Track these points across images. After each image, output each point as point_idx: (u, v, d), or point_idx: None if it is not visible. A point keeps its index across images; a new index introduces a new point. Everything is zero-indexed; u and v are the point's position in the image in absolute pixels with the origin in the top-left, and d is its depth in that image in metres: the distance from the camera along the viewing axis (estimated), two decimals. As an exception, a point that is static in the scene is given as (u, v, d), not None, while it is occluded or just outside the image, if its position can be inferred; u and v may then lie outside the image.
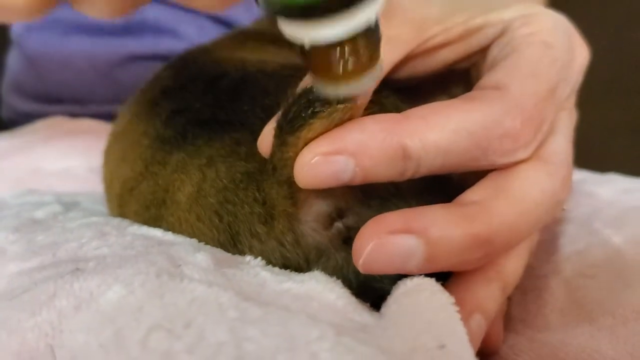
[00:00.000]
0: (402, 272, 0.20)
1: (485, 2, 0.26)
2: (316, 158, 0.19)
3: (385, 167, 0.19)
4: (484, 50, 0.25)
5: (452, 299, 0.19)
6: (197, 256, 0.21)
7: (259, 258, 0.22)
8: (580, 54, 0.25)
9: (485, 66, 0.24)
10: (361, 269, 0.20)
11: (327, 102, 0.19)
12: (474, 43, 0.25)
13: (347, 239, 0.21)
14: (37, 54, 0.53)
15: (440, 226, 0.19)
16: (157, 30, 0.51)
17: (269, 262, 0.22)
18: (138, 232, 0.25)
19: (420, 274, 0.20)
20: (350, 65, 0.18)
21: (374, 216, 0.20)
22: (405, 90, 0.26)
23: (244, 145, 0.23)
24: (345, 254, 0.21)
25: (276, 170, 0.21)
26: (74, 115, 0.50)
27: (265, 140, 0.21)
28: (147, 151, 0.26)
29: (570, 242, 0.28)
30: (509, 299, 0.26)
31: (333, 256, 0.22)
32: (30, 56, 0.54)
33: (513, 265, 0.22)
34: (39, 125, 0.49)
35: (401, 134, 0.19)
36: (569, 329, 0.24)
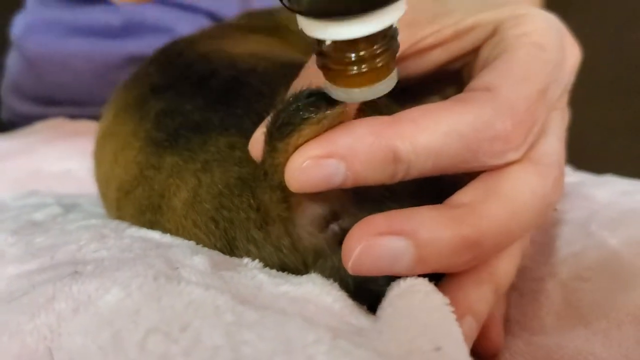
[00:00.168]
0: (391, 273, 0.20)
1: (477, 2, 0.26)
2: (307, 162, 0.19)
3: (376, 170, 0.20)
4: (475, 51, 0.25)
5: (446, 300, 0.19)
6: (195, 259, 0.21)
7: (257, 260, 0.22)
8: (572, 53, 0.25)
9: (476, 67, 0.24)
10: (350, 271, 0.20)
11: (316, 108, 0.19)
12: (466, 44, 0.25)
13: (342, 241, 0.22)
14: (37, 55, 0.53)
15: (429, 228, 0.19)
16: (156, 30, 0.51)
17: (267, 266, 0.22)
18: (136, 235, 0.25)
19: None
20: (366, 68, 0.18)
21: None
22: (397, 90, 0.26)
23: (238, 149, 0.23)
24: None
25: (267, 175, 0.21)
26: (73, 116, 0.51)
27: (256, 145, 0.21)
28: (140, 154, 0.26)
29: (567, 244, 0.28)
30: (506, 301, 0.26)
31: (330, 258, 0.22)
32: (30, 58, 0.54)
33: (505, 267, 0.22)
34: (39, 126, 0.49)
35: (391, 137, 0.19)
36: (564, 331, 0.24)
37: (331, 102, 0.19)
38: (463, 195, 0.21)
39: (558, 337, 0.24)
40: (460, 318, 0.19)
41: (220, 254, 0.23)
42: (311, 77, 0.21)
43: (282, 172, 0.20)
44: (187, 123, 0.26)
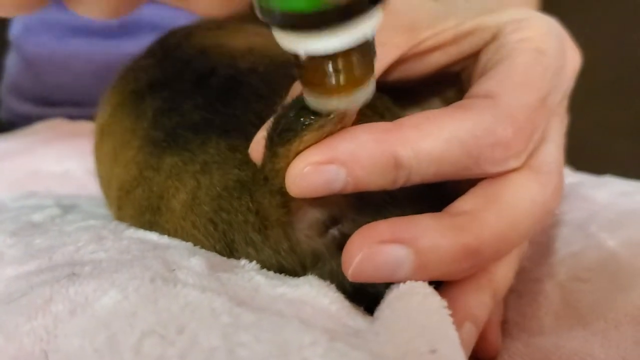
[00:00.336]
0: (391, 281, 0.20)
1: (477, 6, 0.26)
2: (308, 168, 0.19)
3: (377, 176, 0.20)
4: (475, 55, 0.25)
5: (444, 303, 0.19)
6: (192, 260, 0.21)
7: (254, 262, 0.22)
8: (572, 58, 0.25)
9: (476, 71, 0.24)
10: (350, 278, 0.20)
11: (317, 113, 0.19)
12: (466, 47, 0.25)
13: (341, 246, 0.22)
14: (35, 56, 0.53)
15: (430, 236, 0.20)
16: (154, 29, 0.51)
17: (266, 268, 0.22)
18: (134, 236, 0.25)
19: None
20: (343, 79, 0.18)
21: (368, 222, 0.20)
22: (397, 92, 0.26)
23: (239, 152, 0.23)
24: (341, 261, 0.22)
25: (268, 180, 0.21)
26: (72, 117, 0.50)
27: (257, 148, 0.21)
28: (139, 154, 0.26)
29: (566, 245, 0.28)
30: (505, 302, 0.26)
31: (329, 262, 0.22)
32: (28, 58, 0.54)
33: (503, 272, 0.22)
34: (38, 127, 0.49)
35: (393, 143, 0.19)
36: (562, 332, 0.24)
37: None
38: (464, 203, 0.21)
39: (556, 337, 0.24)
40: (459, 324, 0.20)
41: (218, 256, 0.23)
42: None
43: (283, 177, 0.20)
44: (185, 122, 0.25)
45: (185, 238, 0.24)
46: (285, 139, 0.19)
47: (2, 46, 0.59)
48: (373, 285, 0.21)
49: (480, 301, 0.21)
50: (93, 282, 0.20)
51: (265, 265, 0.22)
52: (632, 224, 0.28)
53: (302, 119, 0.19)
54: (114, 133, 0.28)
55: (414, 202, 0.22)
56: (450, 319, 0.19)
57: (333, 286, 0.21)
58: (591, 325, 0.24)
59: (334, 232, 0.22)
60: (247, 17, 0.31)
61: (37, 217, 0.30)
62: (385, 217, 0.20)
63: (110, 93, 0.31)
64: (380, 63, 0.24)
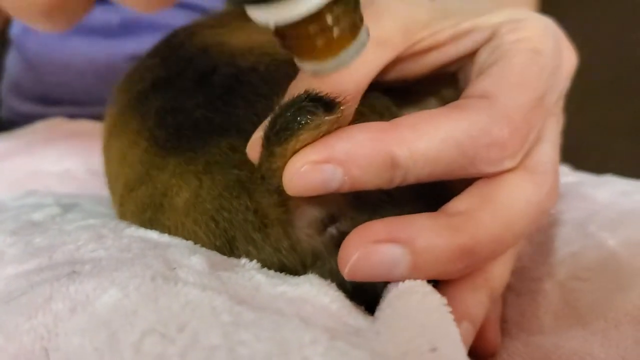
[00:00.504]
0: (386, 280, 0.20)
1: (474, 6, 0.26)
2: (305, 167, 0.19)
3: (374, 176, 0.20)
4: (472, 55, 0.25)
5: (444, 300, 0.19)
6: (192, 259, 0.21)
7: (254, 261, 0.22)
8: (568, 58, 0.25)
9: (473, 71, 0.25)
10: (346, 277, 0.20)
11: (314, 113, 0.19)
12: (462, 47, 0.25)
13: (340, 244, 0.22)
14: (36, 55, 0.53)
15: (426, 236, 0.20)
16: (155, 29, 0.51)
17: (267, 266, 0.22)
18: (135, 235, 0.25)
19: None
20: (324, 41, 0.17)
21: (366, 221, 0.20)
22: (394, 92, 0.26)
23: (239, 151, 0.23)
24: None
25: (265, 179, 0.21)
26: (73, 116, 0.50)
27: (254, 148, 0.21)
28: (145, 155, 0.26)
29: (565, 244, 0.28)
30: (504, 301, 0.26)
31: (328, 261, 0.22)
32: (29, 57, 0.54)
33: (499, 271, 0.23)
34: (38, 126, 0.49)
35: (389, 142, 0.19)
36: (562, 332, 0.24)
37: (329, 107, 0.19)
38: (459, 203, 0.21)
39: (556, 337, 0.24)
40: (457, 324, 0.20)
41: (218, 254, 0.23)
42: (308, 80, 0.21)
43: (280, 177, 0.20)
44: (188, 121, 0.26)
45: (186, 235, 0.24)
46: (282, 138, 0.19)
47: (3, 45, 0.59)
48: (373, 284, 0.22)
49: (477, 300, 0.21)
50: (93, 280, 0.20)
51: (267, 263, 0.22)
52: (632, 223, 0.28)
53: (298, 119, 0.19)
54: (121, 134, 0.29)
55: (410, 200, 0.22)
56: (451, 317, 0.19)
57: (333, 285, 0.21)
58: (591, 324, 0.24)
59: (332, 230, 0.22)
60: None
61: (37, 216, 0.30)
62: (382, 215, 0.21)
63: (117, 93, 0.31)
64: (377, 63, 0.24)
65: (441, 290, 0.21)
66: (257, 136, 0.21)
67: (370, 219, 0.20)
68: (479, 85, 0.22)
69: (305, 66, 0.19)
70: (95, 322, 0.18)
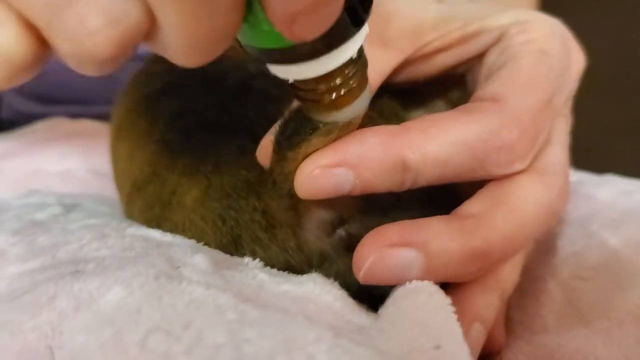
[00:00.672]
0: (400, 282, 0.20)
1: (482, 8, 0.26)
2: (317, 170, 0.19)
3: (385, 179, 0.20)
4: (480, 56, 0.25)
5: (448, 300, 0.20)
6: (196, 258, 0.21)
7: (257, 260, 0.22)
8: (576, 59, 0.25)
9: (481, 72, 0.25)
10: (361, 281, 0.20)
11: None
12: (470, 49, 0.25)
13: (349, 246, 0.22)
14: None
15: (439, 240, 0.20)
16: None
17: (272, 265, 0.23)
18: (137, 234, 0.25)
19: None
20: (335, 97, 0.18)
21: (375, 223, 0.20)
22: (403, 93, 0.26)
23: (248, 154, 0.24)
24: (348, 261, 0.22)
25: (276, 184, 0.21)
26: (74, 115, 0.50)
27: (264, 152, 0.21)
28: (154, 156, 0.26)
29: (568, 243, 0.28)
30: (508, 300, 0.26)
31: (335, 262, 0.22)
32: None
33: (510, 273, 0.23)
34: (39, 126, 0.49)
35: (400, 146, 0.20)
36: (565, 331, 0.24)
37: None
38: (471, 206, 0.21)
39: (559, 336, 0.24)
40: (468, 325, 0.20)
41: (221, 253, 0.23)
42: None
43: (292, 181, 0.20)
44: (199, 122, 0.26)
45: (193, 230, 0.24)
46: (293, 143, 0.20)
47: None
48: (379, 287, 0.22)
49: (488, 302, 0.22)
50: (97, 279, 0.20)
51: (272, 262, 0.22)
52: (634, 222, 0.28)
53: (310, 123, 0.19)
54: (130, 134, 0.29)
55: (420, 203, 0.22)
56: (455, 316, 0.19)
57: (336, 283, 0.21)
58: (593, 323, 0.24)
59: (340, 232, 0.22)
60: None
61: (39, 215, 0.30)
62: (392, 218, 0.21)
63: (124, 96, 0.31)
64: (385, 66, 0.24)
65: (452, 292, 0.21)
66: (267, 140, 0.21)
67: (379, 221, 0.20)
68: (488, 87, 0.22)
69: (315, 116, 0.19)
70: (100, 320, 0.18)
